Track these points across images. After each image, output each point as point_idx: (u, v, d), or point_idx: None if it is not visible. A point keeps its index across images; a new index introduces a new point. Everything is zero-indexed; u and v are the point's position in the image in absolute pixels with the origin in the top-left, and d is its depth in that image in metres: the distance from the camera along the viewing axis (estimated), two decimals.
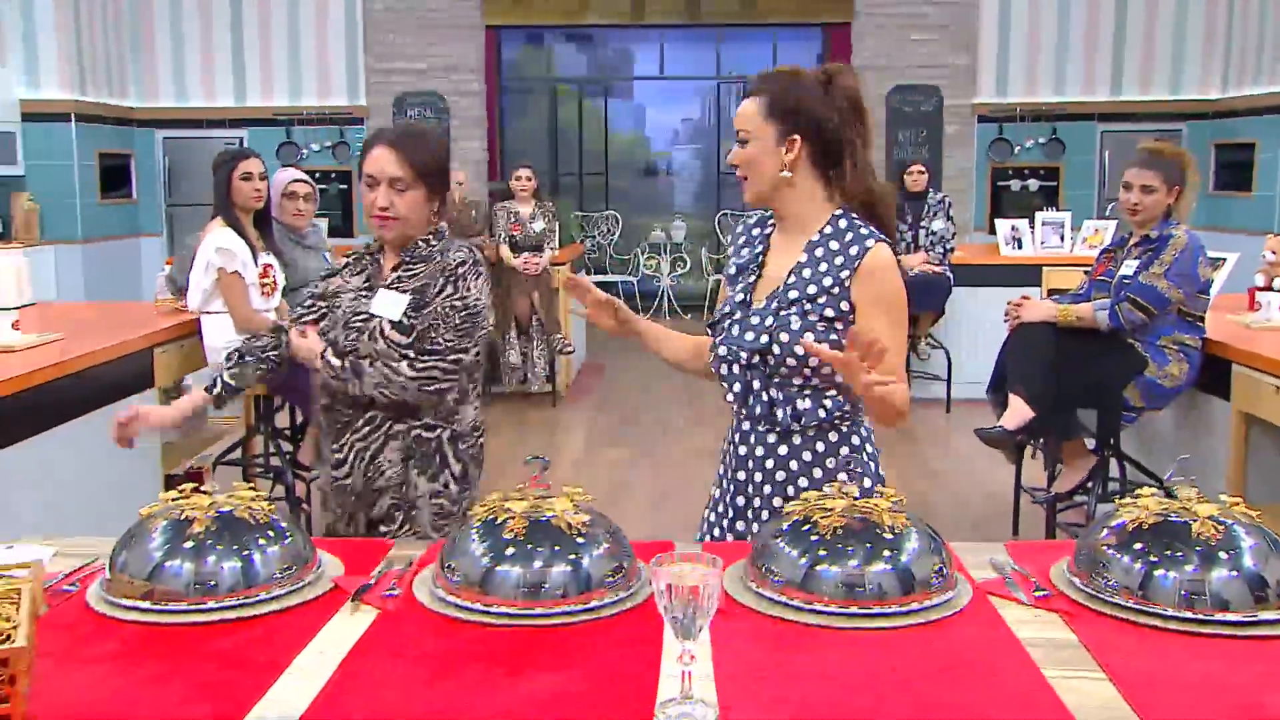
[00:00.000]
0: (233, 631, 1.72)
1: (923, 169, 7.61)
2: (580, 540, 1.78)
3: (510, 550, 1.76)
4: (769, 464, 2.30)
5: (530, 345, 8.06)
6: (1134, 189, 4.29)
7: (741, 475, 2.34)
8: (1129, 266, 4.32)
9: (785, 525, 1.82)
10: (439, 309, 2.70)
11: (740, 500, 2.35)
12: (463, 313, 2.71)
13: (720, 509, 2.41)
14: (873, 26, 9.98)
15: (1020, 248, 7.98)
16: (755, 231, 2.40)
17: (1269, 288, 4.74)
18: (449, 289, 2.71)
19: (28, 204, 8.79)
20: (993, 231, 8.75)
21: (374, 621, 1.74)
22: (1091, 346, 4.32)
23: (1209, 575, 1.69)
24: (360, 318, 2.73)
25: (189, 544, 1.81)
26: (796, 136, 2.22)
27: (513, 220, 7.93)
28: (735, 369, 2.27)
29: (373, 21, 10.09)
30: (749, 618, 1.72)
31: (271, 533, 1.88)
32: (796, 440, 2.28)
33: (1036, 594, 1.81)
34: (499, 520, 1.81)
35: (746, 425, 2.33)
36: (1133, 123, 9.77)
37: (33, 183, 8.90)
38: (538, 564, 1.74)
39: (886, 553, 1.74)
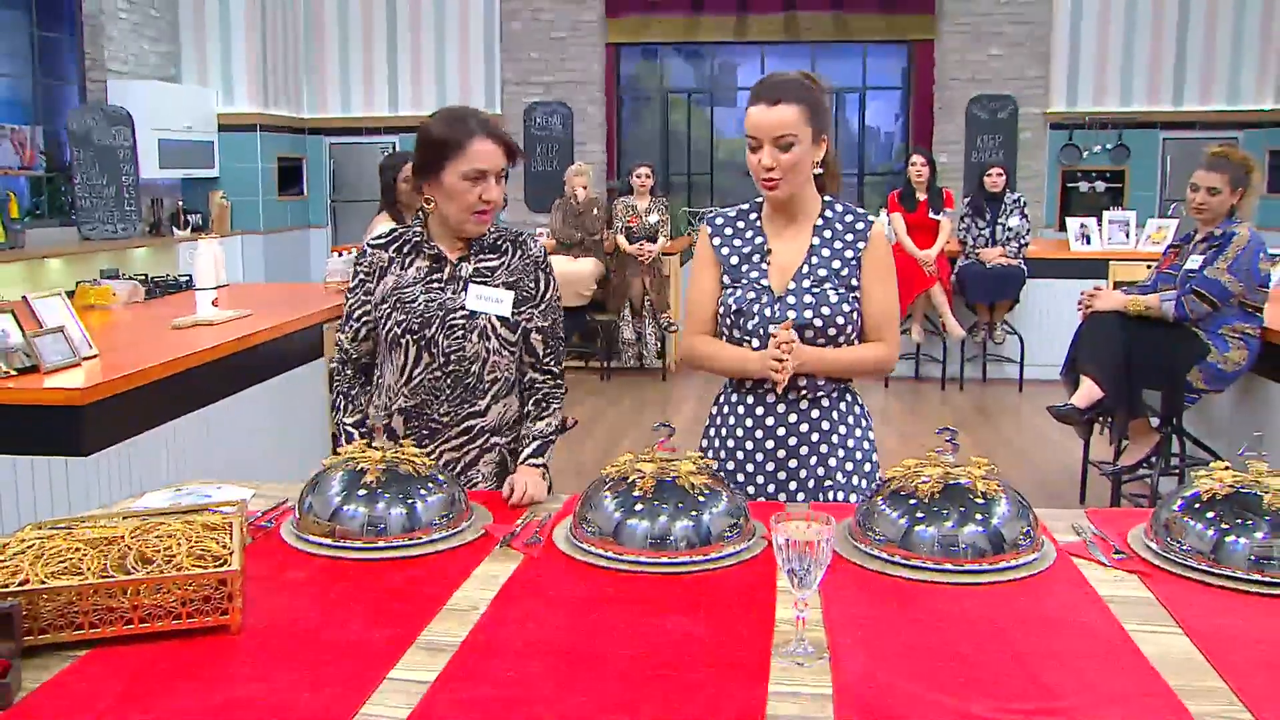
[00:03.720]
0: (400, 568, 1.76)
1: (1001, 171, 7.41)
2: (702, 499, 1.77)
3: (639, 506, 1.76)
4: (803, 428, 2.23)
5: (643, 324, 8.11)
6: (1201, 190, 4.13)
7: (770, 444, 2.24)
8: (1194, 261, 4.17)
9: (887, 490, 1.79)
10: (550, 308, 2.36)
11: (792, 464, 2.24)
12: (559, 312, 2.41)
13: (760, 480, 2.27)
14: (954, 42, 9.73)
15: (1088, 243, 7.74)
16: (740, 225, 2.30)
17: None
18: (545, 286, 2.35)
19: (221, 201, 9.07)
20: (1063, 228, 8.49)
21: (519, 565, 1.76)
22: (1158, 334, 4.18)
23: (1277, 541, 1.64)
24: (458, 316, 2.26)
25: (363, 492, 1.86)
26: (825, 136, 2.20)
27: (631, 213, 7.97)
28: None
29: (509, 40, 10.16)
30: (854, 572, 1.70)
31: (431, 484, 1.92)
32: (825, 404, 2.24)
33: (1116, 556, 1.76)
34: (630, 479, 1.81)
35: (773, 398, 2.22)
36: (1193, 130, 9.44)
37: (225, 183, 9.19)
38: (664, 519, 1.74)
39: (979, 516, 1.70)
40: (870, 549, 1.74)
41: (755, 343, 2.20)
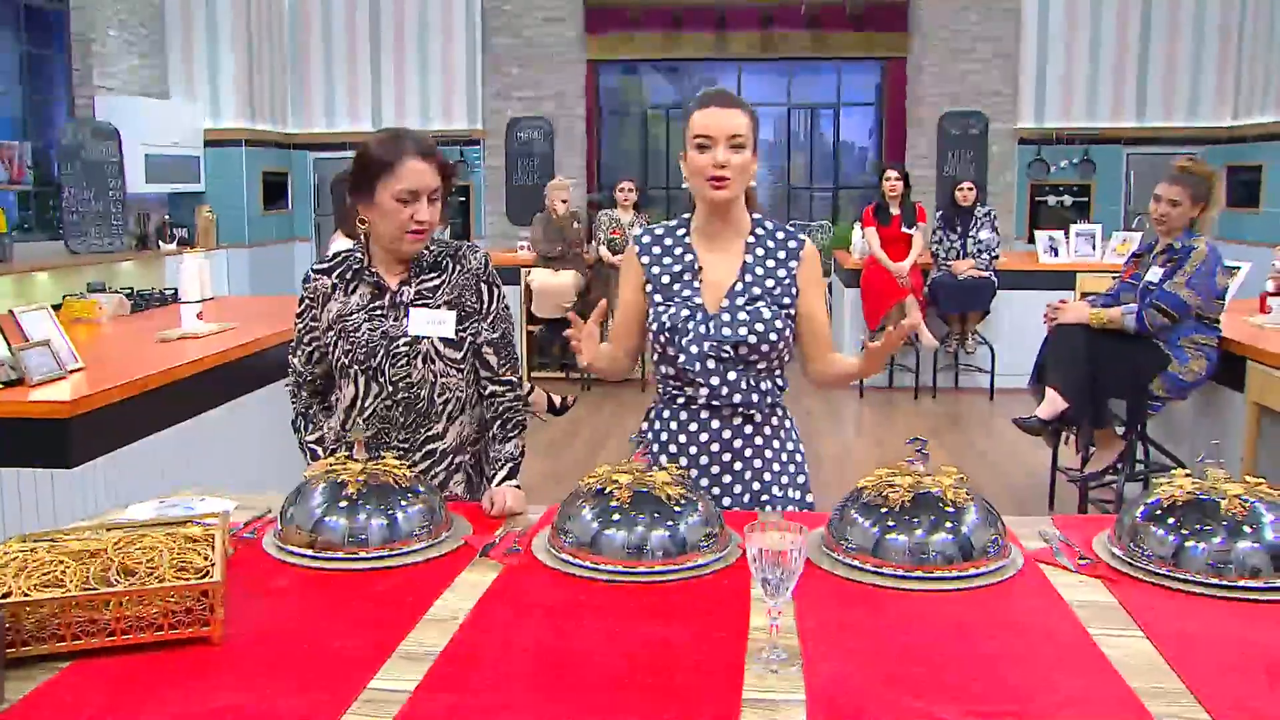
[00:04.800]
0: (381, 578, 1.75)
1: (971, 186, 7.46)
2: (678, 509, 1.77)
3: (616, 516, 1.76)
4: (737, 443, 2.20)
5: None
6: (1162, 201, 4.17)
7: (704, 459, 2.20)
8: (1154, 273, 4.21)
9: (859, 499, 1.80)
10: (498, 319, 2.30)
11: (726, 479, 2.22)
12: (508, 321, 2.35)
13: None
14: (926, 60, 9.81)
15: (1056, 255, 7.80)
16: (668, 242, 2.25)
17: (1277, 293, 4.61)
18: (489, 297, 2.29)
19: (207, 215, 9.02)
20: (1032, 241, 8.56)
21: (499, 575, 1.76)
22: (1121, 345, 4.22)
23: (1235, 546, 1.66)
24: (401, 344, 2.22)
25: (344, 503, 1.85)
26: (756, 154, 2.19)
27: (614, 225, 7.99)
28: (712, 364, 2.15)
29: (491, 56, 10.17)
30: (827, 579, 1.70)
31: (412, 495, 1.90)
32: (758, 418, 2.21)
33: (1081, 562, 1.77)
34: (607, 490, 1.81)
35: (707, 414, 2.19)
36: (1156, 146, 9.55)
37: (211, 197, 9.14)
38: (640, 529, 1.74)
39: (948, 524, 1.71)
40: (842, 557, 1.74)
41: (682, 358, 2.16)
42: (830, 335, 2.29)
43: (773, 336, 2.15)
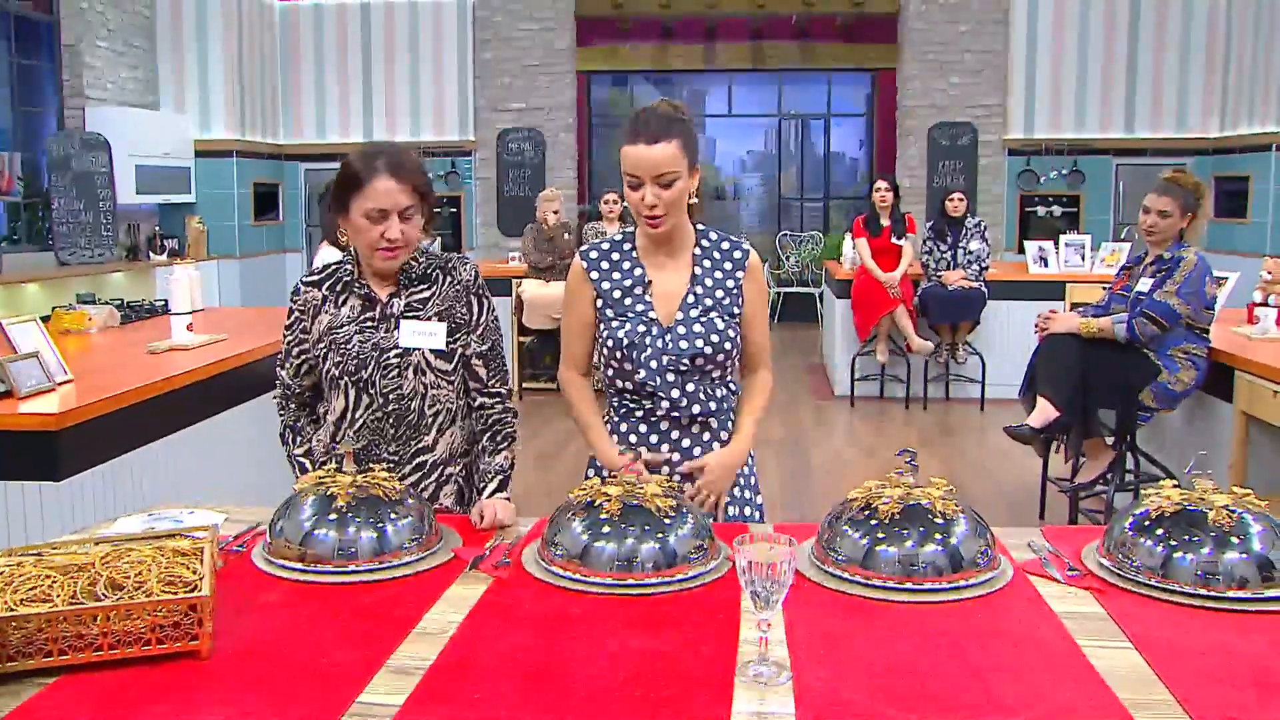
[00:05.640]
0: (371, 591, 1.75)
1: (962, 196, 7.47)
2: (667, 520, 1.77)
3: (606, 529, 1.76)
4: (696, 451, 2.22)
5: None
6: (1151, 212, 4.19)
7: (665, 470, 2.20)
8: (1144, 284, 4.23)
9: (849, 510, 1.80)
10: (487, 331, 2.30)
11: (687, 487, 2.19)
12: (498, 333, 2.35)
13: None
14: (916, 71, 9.87)
15: (1046, 266, 7.83)
16: (615, 257, 2.25)
17: (1265, 303, 4.66)
18: (479, 309, 2.29)
19: (197, 226, 9.02)
20: (1021, 251, 8.62)
21: (489, 587, 1.75)
22: (1112, 355, 4.24)
23: (1222, 557, 1.67)
24: (391, 355, 2.21)
25: (333, 516, 1.85)
26: (697, 167, 2.18)
27: (601, 238, 7.98)
28: (672, 376, 2.17)
29: (482, 68, 10.20)
30: (816, 591, 1.70)
31: (401, 508, 1.90)
32: (714, 425, 2.24)
33: (1070, 573, 1.78)
34: (596, 502, 1.81)
35: (666, 425, 2.21)
36: (1144, 157, 9.63)
37: (202, 208, 9.15)
38: (630, 541, 1.74)
39: (938, 535, 1.71)
40: (832, 569, 1.75)
41: (642, 373, 2.17)
42: (765, 350, 2.31)
43: (727, 346, 2.19)
